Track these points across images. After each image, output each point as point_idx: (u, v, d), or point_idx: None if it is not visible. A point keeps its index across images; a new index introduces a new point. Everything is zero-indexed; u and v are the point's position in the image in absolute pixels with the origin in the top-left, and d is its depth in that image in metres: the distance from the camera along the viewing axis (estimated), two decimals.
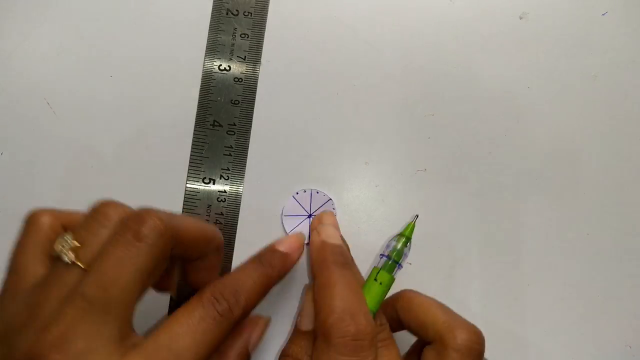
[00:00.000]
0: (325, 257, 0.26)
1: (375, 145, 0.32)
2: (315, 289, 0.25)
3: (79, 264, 0.20)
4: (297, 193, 0.31)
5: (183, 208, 0.31)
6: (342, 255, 0.26)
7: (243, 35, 0.31)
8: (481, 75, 0.32)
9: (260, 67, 0.32)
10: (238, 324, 0.23)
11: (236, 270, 0.25)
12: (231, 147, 0.31)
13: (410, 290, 0.27)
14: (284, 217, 0.31)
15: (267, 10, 0.33)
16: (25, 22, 0.33)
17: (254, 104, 0.32)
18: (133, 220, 0.21)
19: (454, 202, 0.32)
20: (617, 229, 0.32)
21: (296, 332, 0.27)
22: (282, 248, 0.27)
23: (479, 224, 0.32)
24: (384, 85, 0.32)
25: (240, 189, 0.31)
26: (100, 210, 0.21)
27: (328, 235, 0.28)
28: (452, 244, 0.31)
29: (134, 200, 0.23)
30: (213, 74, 0.32)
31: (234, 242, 0.31)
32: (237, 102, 0.32)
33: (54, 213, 0.23)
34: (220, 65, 0.32)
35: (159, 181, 0.32)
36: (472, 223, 0.32)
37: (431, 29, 0.33)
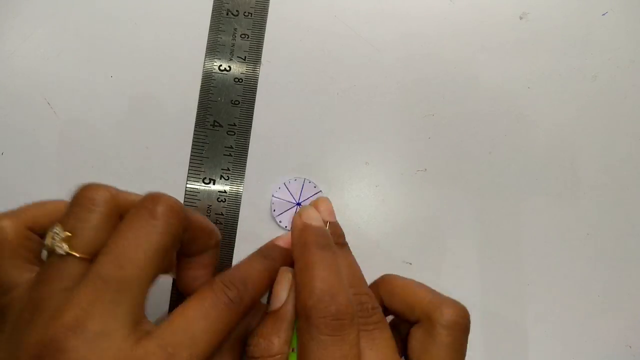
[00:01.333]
0: (306, 239, 0.25)
1: (375, 145, 0.32)
2: (296, 272, 0.25)
3: (75, 253, 0.20)
4: (289, 182, 0.31)
5: None
6: (324, 237, 0.26)
7: (243, 36, 0.31)
8: (481, 75, 0.32)
9: (261, 67, 0.32)
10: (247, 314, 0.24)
11: (241, 262, 0.25)
12: (231, 147, 0.31)
13: (390, 274, 0.27)
14: (273, 199, 0.31)
15: (267, 11, 0.33)
16: (25, 22, 0.33)
17: (254, 104, 0.32)
18: (149, 200, 0.21)
19: (454, 202, 0.32)
20: (617, 229, 0.32)
21: (266, 314, 0.26)
22: (281, 243, 0.27)
23: (479, 224, 0.32)
24: (384, 85, 0.32)
25: (241, 189, 0.31)
26: (84, 195, 0.21)
27: (309, 217, 0.27)
28: (452, 244, 0.31)
29: None
30: (213, 74, 0.32)
31: (234, 243, 0.31)
32: (237, 102, 0.32)
33: (13, 215, 0.22)
34: (221, 65, 0.32)
35: (159, 181, 0.32)
36: (472, 223, 0.32)
37: (431, 29, 0.33)
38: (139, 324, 0.20)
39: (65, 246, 0.20)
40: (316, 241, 0.25)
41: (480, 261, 0.31)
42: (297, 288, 0.24)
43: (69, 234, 0.20)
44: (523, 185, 0.32)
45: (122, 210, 0.21)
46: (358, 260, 0.30)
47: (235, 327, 0.22)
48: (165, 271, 0.24)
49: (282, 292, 0.25)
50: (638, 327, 0.31)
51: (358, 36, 0.33)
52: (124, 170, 0.32)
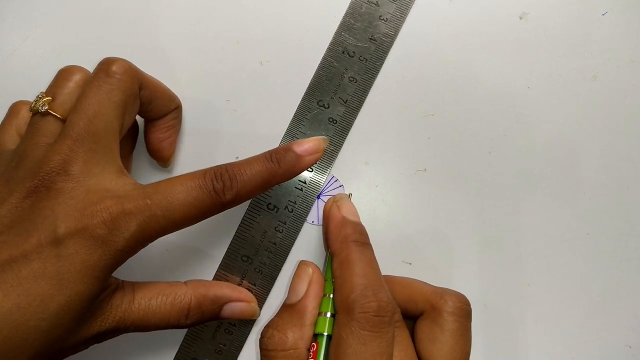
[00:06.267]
0: (346, 234, 0.26)
1: (375, 145, 0.32)
2: (335, 266, 0.25)
3: (53, 112, 0.24)
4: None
5: None
6: (362, 234, 0.27)
7: (352, 79, 0.31)
8: (481, 75, 0.32)
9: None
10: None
11: (245, 159, 0.25)
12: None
13: (386, 275, 0.28)
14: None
15: (384, 60, 0.32)
16: (25, 22, 0.33)
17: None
18: (104, 63, 0.24)
19: (454, 202, 0.32)
20: (617, 229, 0.32)
21: (283, 306, 0.27)
22: (297, 149, 0.26)
23: (479, 224, 0.32)
24: (384, 85, 0.32)
25: None
26: (64, 70, 0.26)
27: (349, 211, 0.28)
28: (452, 244, 0.31)
29: None
30: (311, 108, 0.31)
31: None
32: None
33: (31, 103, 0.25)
34: (320, 101, 0.31)
35: None
36: (472, 223, 0.32)
37: (431, 28, 0.33)
38: (120, 173, 0.23)
39: (46, 106, 0.24)
40: (355, 237, 0.26)
41: (480, 261, 0.31)
42: (337, 282, 0.25)
43: (50, 98, 0.24)
44: (523, 185, 0.32)
45: None
46: None
47: (211, 214, 0.24)
48: (128, 125, 0.26)
49: (301, 286, 0.26)
50: (638, 327, 0.31)
51: None
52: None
